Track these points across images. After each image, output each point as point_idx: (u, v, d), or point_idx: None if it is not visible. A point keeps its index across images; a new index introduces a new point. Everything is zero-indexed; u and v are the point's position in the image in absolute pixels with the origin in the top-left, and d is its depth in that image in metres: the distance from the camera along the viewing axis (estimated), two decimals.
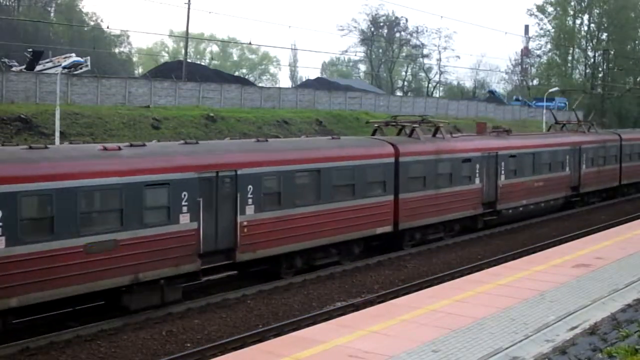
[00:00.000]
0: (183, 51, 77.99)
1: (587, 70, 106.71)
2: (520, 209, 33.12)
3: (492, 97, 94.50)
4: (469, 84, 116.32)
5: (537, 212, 34.83)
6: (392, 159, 25.29)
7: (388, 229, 25.03)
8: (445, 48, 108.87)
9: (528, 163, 33.33)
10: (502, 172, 31.19)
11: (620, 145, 42.93)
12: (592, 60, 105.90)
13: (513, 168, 32.08)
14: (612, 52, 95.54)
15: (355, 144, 25.65)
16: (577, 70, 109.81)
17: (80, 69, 50.26)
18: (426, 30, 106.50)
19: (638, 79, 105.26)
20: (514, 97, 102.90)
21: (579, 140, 38.43)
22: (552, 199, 35.73)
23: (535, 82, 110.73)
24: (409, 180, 25.97)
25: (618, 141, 42.90)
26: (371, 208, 24.08)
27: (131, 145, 18.40)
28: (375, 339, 13.27)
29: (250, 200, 19.43)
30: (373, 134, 28.75)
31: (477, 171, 29.76)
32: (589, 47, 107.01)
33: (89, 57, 53.74)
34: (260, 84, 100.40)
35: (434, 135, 28.86)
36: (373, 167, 24.34)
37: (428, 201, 26.85)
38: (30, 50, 54.40)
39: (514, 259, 23.79)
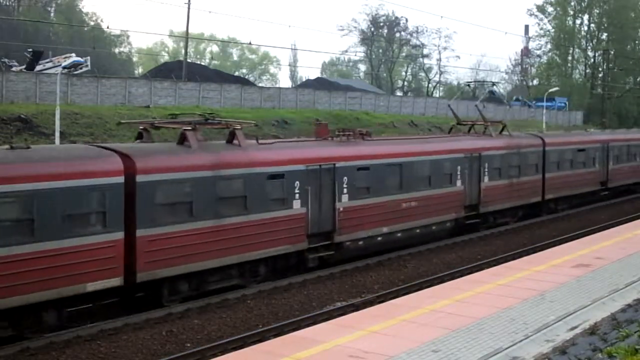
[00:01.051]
0: (183, 51, 78.02)
1: (587, 70, 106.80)
2: (379, 238, 24.90)
3: (492, 97, 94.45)
4: None
5: (410, 242, 26.57)
6: (113, 179, 16.94)
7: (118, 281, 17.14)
8: (445, 48, 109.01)
9: (391, 177, 25.25)
10: (345, 190, 23.15)
11: (544, 151, 35.13)
12: (592, 60, 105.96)
13: (364, 185, 23.99)
14: (612, 52, 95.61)
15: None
16: (577, 70, 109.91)
17: (80, 69, 50.27)
18: (426, 30, 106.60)
19: (638, 79, 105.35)
20: (514, 97, 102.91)
21: (478, 146, 30.29)
22: (435, 223, 27.36)
23: (535, 82, 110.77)
24: (154, 213, 17.74)
25: (540, 146, 35.02)
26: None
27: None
28: (375, 339, 13.27)
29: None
30: (138, 138, 21.12)
31: (297, 191, 21.54)
32: (589, 47, 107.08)
33: (89, 57, 53.75)
34: (260, 84, 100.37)
35: (228, 141, 21.25)
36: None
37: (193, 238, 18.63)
38: (30, 50, 54.41)
39: (514, 259, 23.79)
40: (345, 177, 23.26)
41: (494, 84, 52.11)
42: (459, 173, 28.58)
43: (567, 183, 37.06)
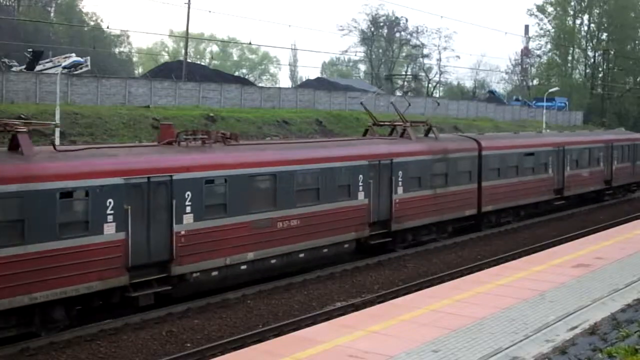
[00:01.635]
0: (183, 51, 78.01)
1: (587, 70, 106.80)
2: (243, 267, 20.36)
3: (492, 97, 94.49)
4: (469, 84, 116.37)
5: (291, 269, 22.26)
6: None
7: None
8: (445, 48, 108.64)
9: (260, 191, 20.90)
10: (188, 209, 18.57)
11: (480, 156, 30.25)
12: (592, 60, 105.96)
13: (217, 202, 19.54)
14: (612, 52, 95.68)
15: None
16: (577, 70, 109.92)
17: (80, 69, 50.28)
18: (426, 30, 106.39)
19: (638, 79, 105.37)
20: (514, 97, 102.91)
21: (389, 152, 25.76)
22: (327, 245, 23.05)
23: (535, 82, 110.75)
24: None
25: (474, 151, 30.10)
26: None
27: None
28: (375, 339, 13.27)
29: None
30: None
31: (110, 212, 17.04)
32: (589, 47, 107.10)
33: (89, 57, 53.75)
34: (260, 84, 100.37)
35: (10, 148, 16.65)
36: None
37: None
38: (30, 50, 54.41)
39: (514, 259, 23.81)
40: (189, 193, 18.55)
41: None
42: (361, 184, 24.01)
43: (512, 193, 32.00)
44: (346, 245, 23.85)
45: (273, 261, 21.17)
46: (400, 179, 25.62)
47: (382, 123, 29.34)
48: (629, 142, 44.69)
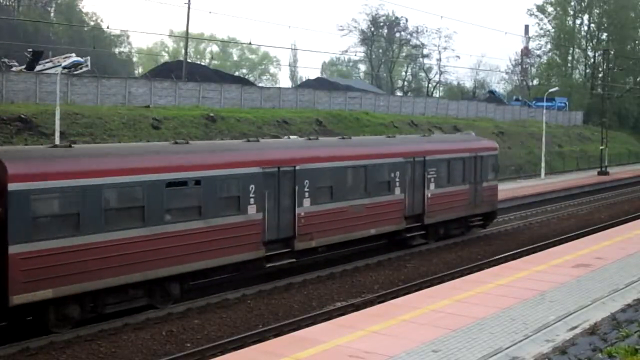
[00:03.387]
0: (183, 51, 78.01)
1: (587, 70, 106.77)
2: None
3: (492, 97, 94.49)
4: (469, 84, 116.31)
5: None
6: None
7: None
8: (445, 48, 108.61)
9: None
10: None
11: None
12: (592, 60, 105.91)
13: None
14: (612, 52, 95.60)
15: None
16: (577, 70, 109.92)
17: (80, 69, 50.20)
18: (426, 30, 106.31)
19: (638, 79, 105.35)
20: (514, 97, 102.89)
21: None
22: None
23: (535, 82, 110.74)
24: None
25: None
26: None
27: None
28: (375, 339, 13.28)
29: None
30: None
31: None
32: (589, 47, 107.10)
33: (89, 57, 53.67)
34: (260, 84, 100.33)
35: None
36: None
37: None
38: (30, 50, 54.35)
39: (514, 259, 23.82)
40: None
41: None
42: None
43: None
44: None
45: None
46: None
47: None
48: (463, 153, 29.71)
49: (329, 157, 23.26)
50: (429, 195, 27.02)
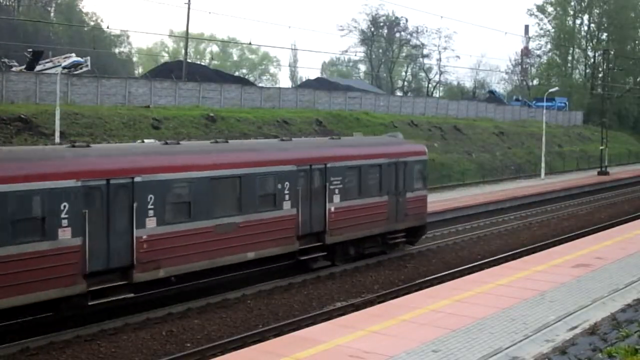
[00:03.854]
0: (183, 51, 77.99)
1: (587, 70, 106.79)
2: None
3: (492, 97, 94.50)
4: (469, 84, 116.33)
5: None
6: None
7: None
8: (445, 48, 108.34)
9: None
10: (336, 191, 22.55)
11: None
12: (592, 60, 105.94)
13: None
14: (612, 52, 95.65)
15: None
16: (577, 70, 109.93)
17: (80, 69, 50.19)
18: (426, 30, 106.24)
19: (638, 79, 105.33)
20: (514, 97, 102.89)
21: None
22: None
23: (535, 82, 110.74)
24: None
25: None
26: None
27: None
28: (375, 339, 13.28)
29: (337, 190, 23.30)
30: None
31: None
32: (589, 47, 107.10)
33: (89, 57, 53.65)
34: (260, 84, 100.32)
35: None
36: None
37: None
38: (30, 50, 54.33)
39: (514, 259, 23.83)
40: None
41: None
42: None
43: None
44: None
45: None
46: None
47: None
48: (381, 158, 25.34)
49: (185, 166, 18.91)
50: (332, 210, 22.79)
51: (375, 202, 24.59)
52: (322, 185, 22.65)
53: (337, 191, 23.06)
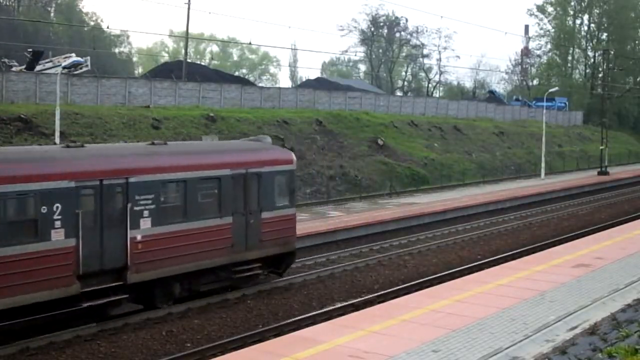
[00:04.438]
0: (183, 51, 78.00)
1: (587, 70, 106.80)
2: None
3: (492, 97, 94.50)
4: (469, 84, 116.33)
5: None
6: None
7: None
8: (445, 48, 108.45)
9: None
10: None
11: None
12: (592, 60, 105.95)
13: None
14: (612, 52, 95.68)
15: None
16: (577, 70, 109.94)
17: (80, 69, 50.19)
18: (426, 30, 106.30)
19: (638, 79, 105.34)
20: (514, 97, 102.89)
21: None
22: None
23: (535, 82, 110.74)
24: None
25: None
26: None
27: None
28: (375, 339, 13.28)
29: (146, 212, 17.93)
30: None
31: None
32: (589, 47, 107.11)
33: (89, 57, 53.64)
34: (260, 84, 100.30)
35: None
36: None
37: None
38: (30, 50, 54.33)
39: (514, 259, 23.82)
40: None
41: None
42: None
43: None
44: None
45: None
46: None
47: None
48: (221, 169, 20.13)
49: None
50: (139, 238, 17.47)
51: (211, 225, 19.27)
52: (121, 206, 17.28)
53: (146, 214, 17.71)
